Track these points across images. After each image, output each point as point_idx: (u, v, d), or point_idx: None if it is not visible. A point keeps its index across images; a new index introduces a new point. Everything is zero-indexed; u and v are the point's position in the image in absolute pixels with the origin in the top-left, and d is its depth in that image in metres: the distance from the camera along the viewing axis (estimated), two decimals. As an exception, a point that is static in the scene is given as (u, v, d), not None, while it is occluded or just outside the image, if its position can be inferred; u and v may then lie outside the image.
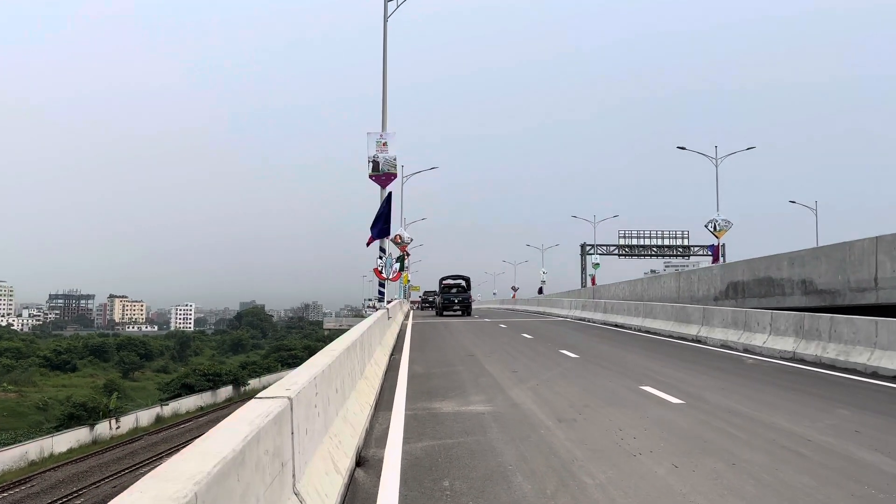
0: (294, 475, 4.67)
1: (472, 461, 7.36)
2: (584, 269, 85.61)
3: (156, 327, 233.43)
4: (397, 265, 22.01)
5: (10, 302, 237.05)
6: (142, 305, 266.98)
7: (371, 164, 20.89)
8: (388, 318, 21.28)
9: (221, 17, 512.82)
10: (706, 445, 7.93)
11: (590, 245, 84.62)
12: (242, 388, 78.29)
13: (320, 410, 5.96)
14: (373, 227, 20.20)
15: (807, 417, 9.63)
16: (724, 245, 56.64)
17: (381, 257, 21.31)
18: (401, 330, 27.38)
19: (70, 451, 50.67)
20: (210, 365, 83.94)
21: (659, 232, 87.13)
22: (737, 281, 24.55)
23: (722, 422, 9.30)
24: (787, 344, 17.38)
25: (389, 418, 9.79)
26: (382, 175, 20.81)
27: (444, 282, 51.97)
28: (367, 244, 20.68)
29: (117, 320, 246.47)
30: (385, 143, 20.83)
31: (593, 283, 67.67)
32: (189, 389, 72.51)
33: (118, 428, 57.57)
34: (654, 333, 24.65)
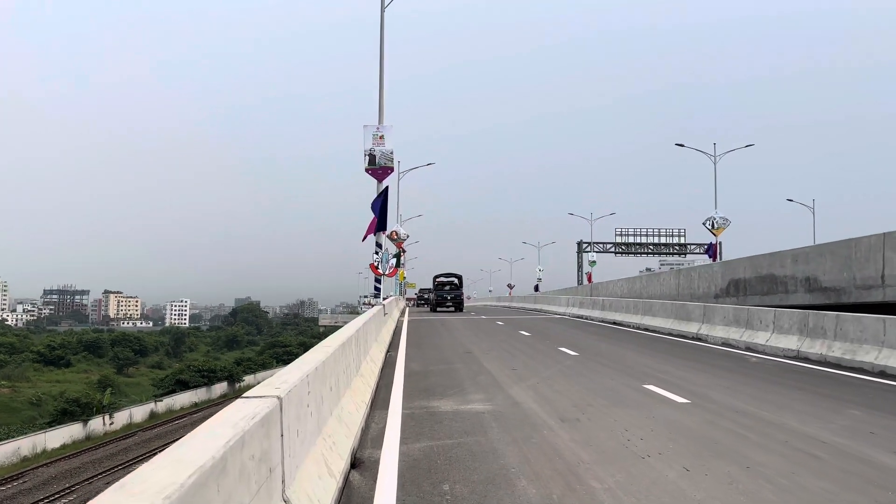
0: (283, 481, 4.31)
1: (473, 463, 7.00)
2: (580, 266, 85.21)
3: (151, 323, 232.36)
4: (393, 261, 21.64)
5: (4, 297, 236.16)
6: (137, 301, 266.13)
7: (367, 158, 20.52)
8: (385, 314, 20.92)
9: (217, 12, 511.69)
10: (717, 447, 7.58)
11: (586, 243, 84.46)
12: (237, 385, 77.96)
13: (313, 410, 5.60)
14: (369, 223, 19.89)
15: (818, 418, 9.29)
16: (720, 243, 56.48)
17: (377, 253, 20.94)
18: (397, 327, 27.02)
19: (63, 446, 50.23)
20: (205, 361, 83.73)
21: (655, 230, 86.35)
22: (738, 278, 24.22)
23: (730, 422, 8.96)
24: (790, 342, 17.05)
25: (386, 417, 9.43)
26: (379, 169, 20.45)
27: (437, 279, 55.29)
28: (364, 238, 20.35)
29: (112, 316, 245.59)
30: (382, 137, 20.45)
31: (589, 280, 67.61)
32: (184, 385, 72.14)
33: (112, 424, 57.15)
34: (654, 331, 24.32)
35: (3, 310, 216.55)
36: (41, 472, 41.73)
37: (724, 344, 20.07)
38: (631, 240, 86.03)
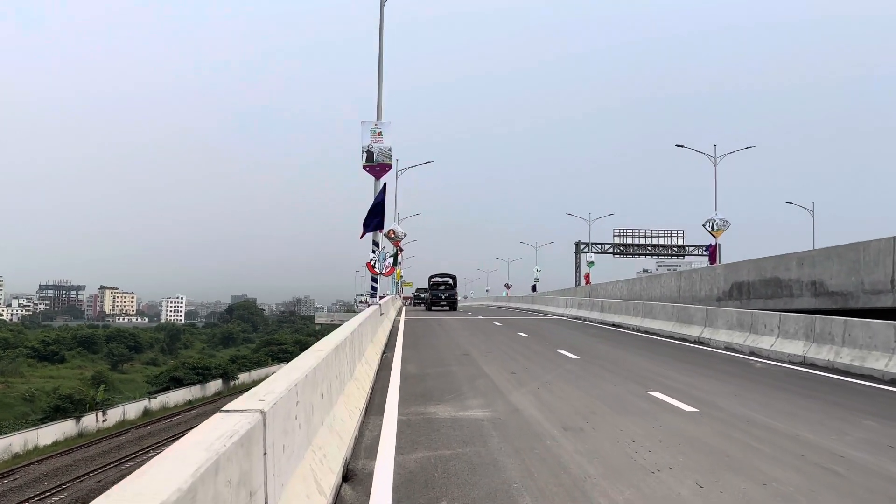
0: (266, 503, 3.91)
1: (473, 477, 6.60)
2: (578, 267, 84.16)
3: (146, 319, 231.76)
4: (390, 260, 21.25)
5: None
6: (132, 297, 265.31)
7: (365, 155, 20.16)
8: (381, 314, 20.55)
9: (211, 13, 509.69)
10: (729, 461, 7.19)
11: (584, 243, 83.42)
12: (232, 382, 77.66)
13: (302, 421, 5.19)
14: (367, 220, 19.48)
15: (832, 430, 8.90)
16: (719, 245, 56.18)
17: (374, 251, 20.55)
18: (393, 326, 26.65)
19: (55, 443, 49.79)
20: (200, 358, 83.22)
21: (654, 231, 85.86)
22: (742, 281, 23.83)
23: (741, 432, 8.57)
24: (796, 347, 16.66)
25: (381, 424, 9.03)
26: (377, 166, 20.07)
27: (432, 279, 57.79)
28: (361, 236, 19.95)
29: (107, 312, 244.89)
30: (380, 133, 20.07)
31: (587, 281, 66.78)
32: (178, 383, 71.64)
33: (105, 421, 56.70)
34: (654, 334, 23.95)
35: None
36: (33, 469, 41.30)
37: (727, 348, 19.70)
38: (629, 241, 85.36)
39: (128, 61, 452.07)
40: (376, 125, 20.15)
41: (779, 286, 21.67)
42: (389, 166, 20.59)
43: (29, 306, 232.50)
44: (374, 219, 19.61)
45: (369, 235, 20.30)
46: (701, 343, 21.22)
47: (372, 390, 11.57)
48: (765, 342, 18.00)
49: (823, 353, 15.57)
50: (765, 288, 22.45)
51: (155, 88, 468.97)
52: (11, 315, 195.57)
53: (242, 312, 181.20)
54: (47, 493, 35.34)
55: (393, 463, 7.06)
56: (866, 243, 17.90)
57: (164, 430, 51.11)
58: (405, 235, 51.58)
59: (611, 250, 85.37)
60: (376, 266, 20.29)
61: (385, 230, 41.22)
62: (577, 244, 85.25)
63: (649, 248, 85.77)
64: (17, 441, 47.88)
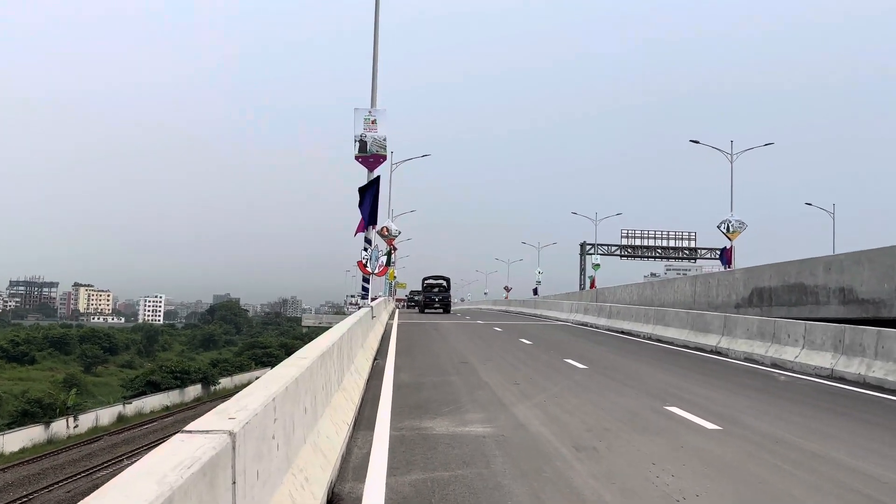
0: (234, 542, 3.48)
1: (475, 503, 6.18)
2: (583, 269, 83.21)
3: (122, 319, 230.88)
4: (383, 259, 20.88)
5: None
6: (108, 295, 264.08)
7: (358, 144, 19.68)
8: (372, 316, 20.12)
9: (197, 5, 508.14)
10: (763, 488, 6.78)
11: (590, 244, 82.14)
12: (212, 388, 77.00)
13: (280, 441, 4.77)
14: (362, 212, 19.03)
15: (872, 452, 8.50)
16: (733, 248, 55.77)
17: (366, 249, 20.13)
18: (385, 331, 26.26)
19: (22, 450, 49.31)
20: (178, 361, 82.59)
21: (664, 232, 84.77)
22: (763, 287, 23.45)
23: (771, 454, 8.17)
24: (823, 360, 16.27)
25: (371, 440, 8.61)
26: (370, 156, 19.58)
27: (426, 281, 60.49)
28: (356, 233, 19.56)
29: (82, 310, 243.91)
30: (374, 121, 19.60)
31: (593, 285, 65.82)
32: (155, 387, 71.07)
33: (76, 427, 56.19)
34: (667, 343, 23.54)
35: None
36: (-4, 478, 40.78)
37: (746, 359, 19.30)
38: (637, 242, 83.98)
39: (108, 57, 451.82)
40: (370, 113, 19.69)
41: (804, 293, 21.28)
42: (384, 157, 20.11)
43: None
44: (368, 214, 19.19)
45: (363, 233, 19.90)
46: (718, 353, 20.82)
47: (362, 401, 11.15)
48: (788, 353, 17.60)
49: (854, 367, 15.18)
50: (788, 294, 22.07)
51: (135, 84, 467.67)
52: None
53: (225, 313, 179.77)
54: (12, 504, 34.86)
55: (384, 486, 6.65)
56: (901, 247, 17.50)
57: (139, 438, 50.63)
58: (399, 233, 51.28)
59: (618, 252, 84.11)
60: (368, 265, 19.87)
61: (378, 227, 40.71)
62: (583, 245, 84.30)
63: (659, 250, 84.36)
64: (-19, 447, 47.41)
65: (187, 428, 3.55)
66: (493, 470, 7.32)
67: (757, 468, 7.55)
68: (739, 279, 24.94)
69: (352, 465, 7.41)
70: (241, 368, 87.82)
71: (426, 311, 56.41)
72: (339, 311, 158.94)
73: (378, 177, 19.84)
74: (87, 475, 39.76)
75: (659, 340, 24.13)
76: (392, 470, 7.26)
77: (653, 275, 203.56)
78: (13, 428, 52.67)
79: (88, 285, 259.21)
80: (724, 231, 46.32)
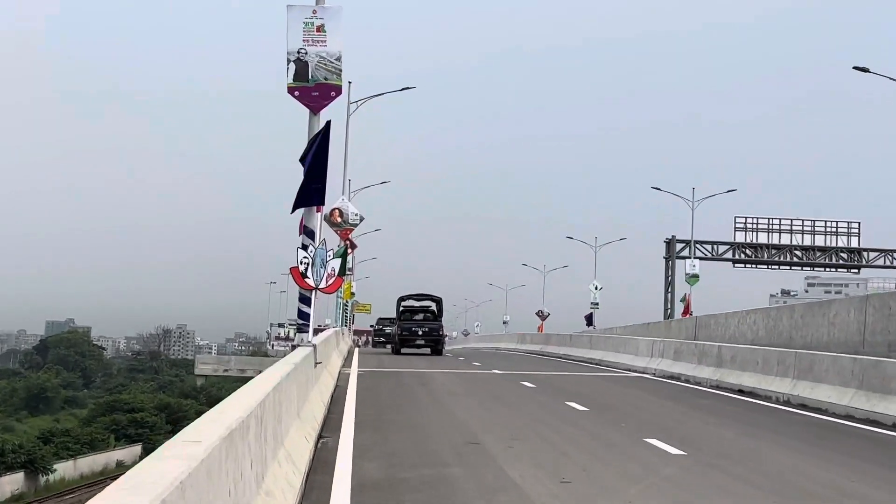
0: None
1: None
2: (669, 284, 58.16)
3: None
4: (335, 262, 13.63)
5: None
6: None
7: (293, 67, 13.29)
8: (316, 363, 13.36)
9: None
10: None
11: (681, 241, 56.82)
12: (43, 479, 50.41)
13: None
14: (304, 185, 12.33)
15: None
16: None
17: (305, 248, 13.09)
18: (338, 386, 18.54)
19: None
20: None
21: (804, 223, 58.80)
22: None
23: None
24: None
25: None
26: (314, 87, 13.21)
27: (404, 303, 42.39)
28: (293, 210, 12.96)
29: None
30: (320, 28, 13.15)
31: (687, 311, 47.22)
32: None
33: None
34: (817, 410, 15.87)
35: None
36: None
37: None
38: (762, 239, 58.05)
39: None
40: (315, 13, 13.10)
41: None
42: (337, 89, 13.65)
43: None
44: (313, 184, 12.47)
45: (299, 216, 12.96)
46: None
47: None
48: None
49: None
50: None
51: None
52: None
53: (65, 352, 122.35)
54: None
55: None
56: None
57: None
58: (361, 220, 35.93)
59: (728, 254, 58.99)
60: (309, 272, 12.78)
61: (326, 210, 29.77)
62: (670, 243, 58.67)
63: (797, 252, 59.00)
64: None
65: None
66: None
67: None
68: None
69: None
70: (93, 446, 58.80)
71: (404, 350, 39.97)
72: (259, 352, 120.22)
73: (328, 123, 13.25)
74: None
75: (803, 406, 16.39)
76: None
77: (784, 293, 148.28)
78: None
79: None
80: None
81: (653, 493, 8.35)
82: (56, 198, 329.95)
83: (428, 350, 39.53)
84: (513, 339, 57.86)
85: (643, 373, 27.21)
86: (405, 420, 13.85)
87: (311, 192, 12.76)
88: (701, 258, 55.08)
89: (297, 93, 13.35)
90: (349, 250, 33.79)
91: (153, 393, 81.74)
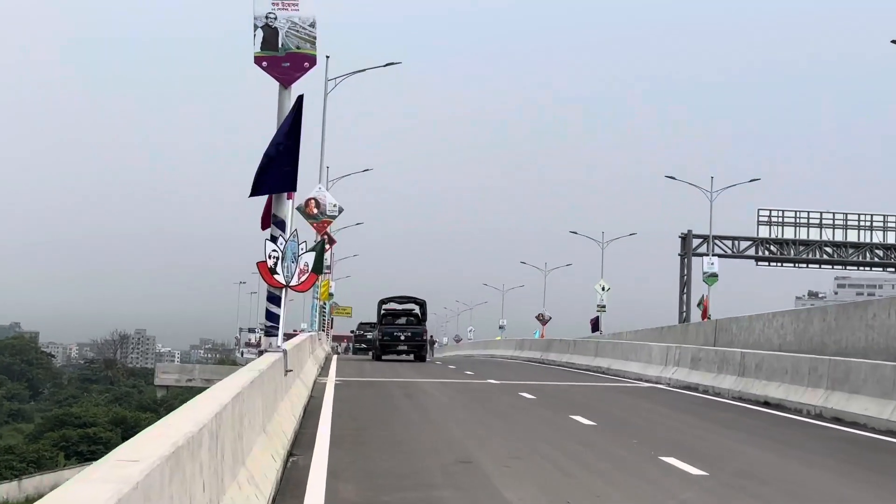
0: None
1: None
2: (685, 284, 53.92)
3: None
4: (308, 257, 12.44)
5: None
6: None
7: (260, 35, 12.14)
8: (287, 371, 12.24)
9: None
10: None
11: (698, 237, 52.77)
12: None
13: None
14: (263, 167, 11.27)
15: None
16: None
17: (274, 239, 11.93)
18: (312, 396, 17.72)
19: None
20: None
21: (834, 216, 54.55)
22: None
23: None
24: None
25: None
26: (284, 57, 12.11)
27: (385, 306, 41.63)
28: (253, 194, 11.80)
29: None
30: (292, -10, 12.40)
31: (705, 314, 44.46)
32: None
33: None
34: (853, 424, 15.16)
35: None
36: None
37: None
38: (788, 234, 53.85)
39: None
40: None
41: None
42: (311, 59, 12.47)
43: None
44: (283, 167, 11.28)
45: (273, 205, 11.82)
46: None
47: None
48: None
49: None
50: None
51: None
52: None
53: (10, 360, 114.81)
54: None
55: None
56: None
57: None
58: (341, 211, 34.12)
59: (751, 251, 54.97)
60: (278, 268, 11.60)
61: (301, 200, 28.00)
62: (686, 238, 54.48)
63: (827, 248, 54.55)
64: None
65: None
66: None
67: None
68: None
69: None
70: (40, 465, 53.98)
71: (385, 356, 38.86)
72: (227, 359, 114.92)
73: (300, 97, 12.14)
74: None
75: (837, 419, 15.19)
76: None
77: (812, 295, 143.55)
78: None
79: None
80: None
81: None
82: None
83: (411, 356, 39.06)
84: (510, 346, 55.67)
85: (656, 383, 25.76)
86: (388, 436, 12.83)
87: (281, 176, 11.61)
88: (720, 256, 51.62)
89: (265, 63, 12.38)
90: (327, 246, 32.71)
91: (108, 405, 76.75)
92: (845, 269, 60.07)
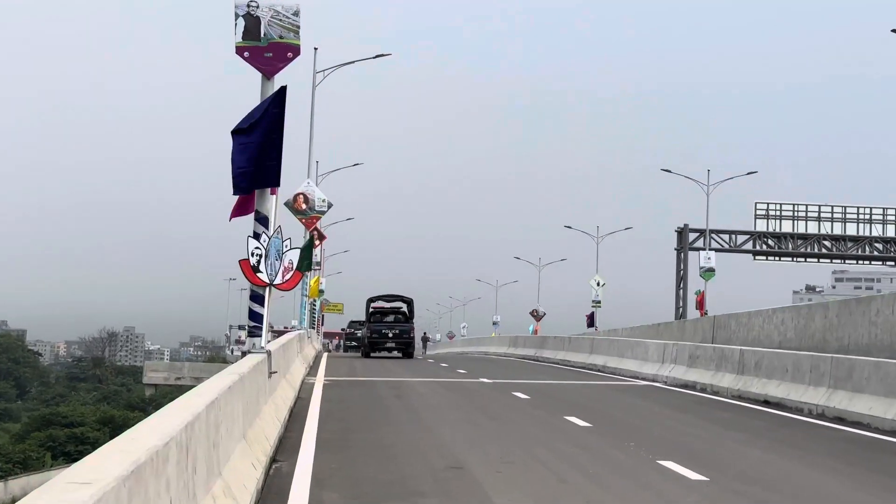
0: None
1: None
2: (681, 279, 53.63)
3: None
4: (292, 254, 12.09)
5: None
6: None
7: (241, 23, 11.81)
8: (271, 372, 11.83)
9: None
10: None
11: (695, 230, 52.55)
12: None
13: None
14: (237, 160, 10.95)
15: None
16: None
17: (257, 236, 11.58)
18: (297, 398, 17.35)
19: None
20: None
21: (833, 209, 54.11)
22: None
23: None
24: None
25: None
26: (267, 48, 11.82)
27: (373, 305, 42.87)
28: (235, 192, 11.34)
29: None
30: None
31: (701, 308, 44.06)
32: None
33: None
34: (856, 424, 14.95)
35: None
36: None
37: None
38: (786, 228, 53.67)
39: None
40: None
41: None
42: (295, 49, 12.12)
43: None
44: (268, 162, 11.00)
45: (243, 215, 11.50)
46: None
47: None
48: None
49: None
50: None
51: None
52: None
53: None
54: None
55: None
56: None
57: None
58: (330, 207, 33.40)
59: (748, 244, 54.38)
60: (261, 267, 11.25)
61: (289, 195, 27.79)
62: (682, 232, 54.00)
63: (826, 242, 54.60)
64: None
65: None
66: None
67: None
68: None
69: None
70: (26, 465, 52.58)
71: (373, 354, 39.83)
72: (217, 357, 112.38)
73: (282, 88, 11.73)
74: None
75: (840, 419, 14.66)
76: None
77: (810, 290, 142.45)
78: None
79: None
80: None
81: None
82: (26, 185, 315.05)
83: (399, 354, 40.23)
84: (503, 343, 55.42)
85: (653, 381, 25.38)
86: (375, 439, 12.45)
87: (265, 172, 11.28)
88: (717, 250, 51.01)
89: (246, 53, 11.99)
90: (316, 242, 32.23)
91: (96, 404, 76.54)
92: (844, 262, 60.06)
